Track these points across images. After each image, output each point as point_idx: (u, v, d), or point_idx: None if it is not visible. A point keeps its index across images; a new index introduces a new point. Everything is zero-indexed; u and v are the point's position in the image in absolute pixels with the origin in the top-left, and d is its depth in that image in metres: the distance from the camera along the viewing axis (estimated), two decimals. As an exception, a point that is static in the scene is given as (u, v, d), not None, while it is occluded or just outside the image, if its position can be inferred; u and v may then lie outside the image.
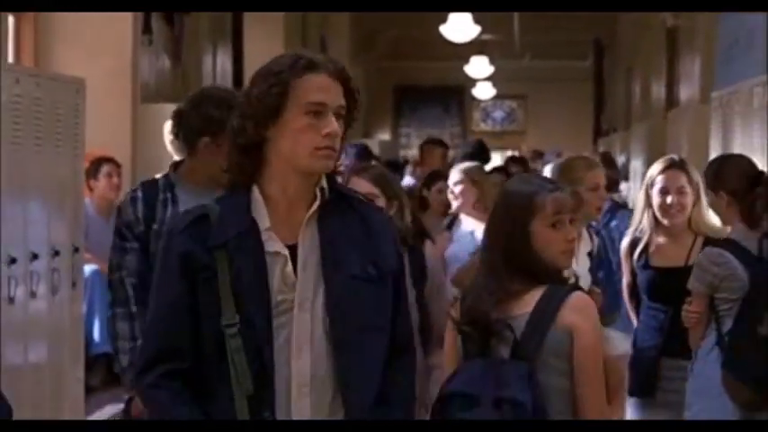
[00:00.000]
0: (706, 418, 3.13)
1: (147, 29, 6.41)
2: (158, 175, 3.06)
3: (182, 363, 2.03)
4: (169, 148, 3.76)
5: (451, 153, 8.07)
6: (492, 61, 16.43)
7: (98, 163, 5.88)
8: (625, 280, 3.80)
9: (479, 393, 2.33)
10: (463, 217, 4.95)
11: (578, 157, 4.19)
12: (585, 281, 3.44)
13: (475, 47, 14.71)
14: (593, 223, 3.97)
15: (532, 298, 2.40)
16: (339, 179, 2.18)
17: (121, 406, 3.02)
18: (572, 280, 2.53)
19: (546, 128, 19.00)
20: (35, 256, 4.19)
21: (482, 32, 12.58)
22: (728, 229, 3.46)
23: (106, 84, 5.67)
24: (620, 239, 3.91)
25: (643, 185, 3.76)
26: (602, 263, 3.86)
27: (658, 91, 10.43)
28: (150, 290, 2.83)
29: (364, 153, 7.07)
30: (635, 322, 3.80)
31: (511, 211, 2.46)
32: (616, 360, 3.39)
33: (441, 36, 12.37)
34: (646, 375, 3.60)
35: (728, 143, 4.67)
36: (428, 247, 3.68)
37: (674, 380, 3.49)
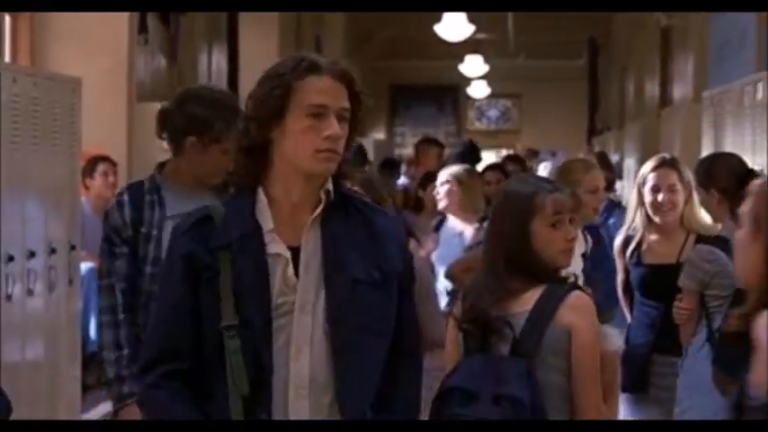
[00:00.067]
0: (696, 414, 3.16)
1: (142, 28, 6.43)
2: (143, 177, 3.07)
3: (182, 363, 2.05)
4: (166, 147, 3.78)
5: (447, 152, 8.10)
6: (487, 60, 16.45)
7: (94, 162, 5.91)
8: (619, 277, 3.84)
9: (479, 389, 2.37)
10: (451, 218, 4.98)
11: (577, 160, 4.24)
12: (578, 281, 3.48)
13: (469, 46, 14.73)
14: (598, 221, 4.01)
15: (532, 296, 2.44)
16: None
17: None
18: (572, 279, 2.57)
19: (540, 127, 19.03)
20: (32, 254, 4.22)
21: (476, 31, 12.60)
22: (720, 226, 3.50)
23: (102, 83, 5.69)
24: None
25: (635, 184, 3.80)
26: (598, 261, 3.90)
27: (652, 90, 10.47)
28: (140, 294, 2.85)
29: (359, 153, 7.10)
30: (629, 319, 3.84)
31: (511, 211, 2.51)
32: (612, 355, 3.44)
33: (435, 35, 12.39)
34: (638, 371, 3.64)
35: (720, 141, 4.72)
36: (414, 249, 3.72)
37: (666, 376, 3.53)
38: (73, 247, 4.60)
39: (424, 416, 2.37)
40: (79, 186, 4.97)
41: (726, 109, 4.71)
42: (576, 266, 3.70)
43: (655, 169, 3.69)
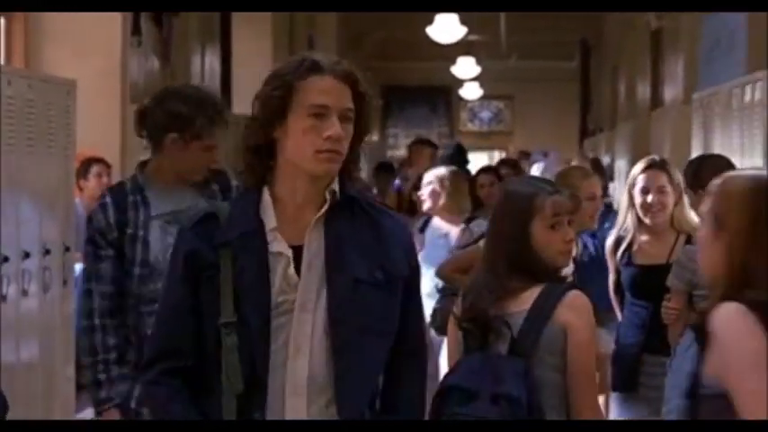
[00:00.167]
0: (683, 413, 3.19)
1: (136, 30, 6.45)
2: (125, 179, 3.06)
3: (183, 361, 2.05)
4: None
5: (441, 152, 8.13)
6: (479, 62, 16.49)
7: (88, 163, 5.93)
8: (611, 278, 3.88)
9: (477, 388, 2.40)
10: (436, 219, 5.01)
11: (574, 167, 4.30)
12: None
13: (462, 47, 14.77)
14: (594, 227, 4.06)
15: (531, 296, 2.48)
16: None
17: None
18: (570, 279, 2.62)
19: (533, 128, 19.07)
20: (27, 255, 4.23)
21: (468, 33, 12.64)
22: (708, 227, 3.53)
23: (96, 84, 5.71)
24: None
25: (626, 185, 3.85)
26: (592, 264, 3.94)
27: (643, 91, 10.51)
28: (128, 296, 2.85)
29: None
30: (620, 319, 3.88)
31: (511, 212, 2.55)
32: (601, 357, 3.49)
33: (427, 37, 12.43)
34: (628, 371, 3.67)
35: (709, 143, 4.76)
36: None
37: (656, 375, 3.55)
38: (67, 249, 4.61)
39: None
40: (73, 188, 4.99)
41: (714, 111, 4.75)
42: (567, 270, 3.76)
43: (644, 171, 3.73)
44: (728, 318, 1.91)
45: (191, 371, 2.05)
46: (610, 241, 3.85)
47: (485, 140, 20.30)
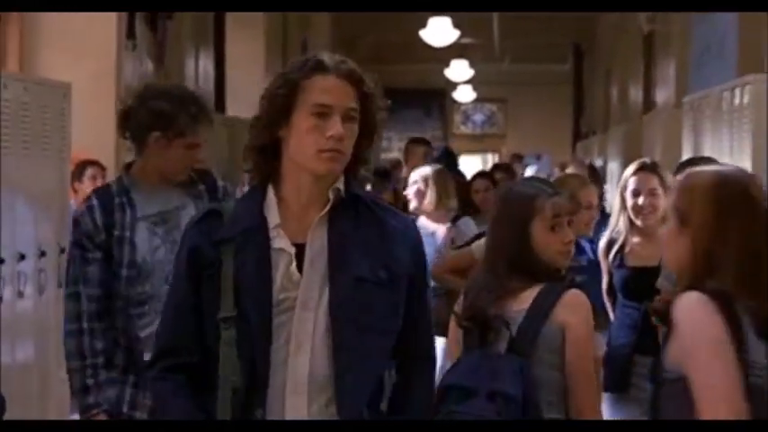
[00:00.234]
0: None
1: (130, 33, 6.47)
2: (110, 181, 3.05)
3: (187, 357, 2.06)
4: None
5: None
6: (472, 65, 16.53)
7: (83, 166, 5.94)
8: (604, 280, 3.92)
9: (476, 386, 2.43)
10: (422, 218, 5.03)
11: (572, 175, 4.33)
12: None
13: (455, 50, 14.81)
14: (590, 234, 4.09)
15: (530, 295, 2.53)
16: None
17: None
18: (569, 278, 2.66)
19: (526, 131, 19.11)
20: (22, 257, 4.26)
21: (461, 36, 12.67)
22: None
23: (90, 87, 5.72)
24: None
25: (618, 188, 3.88)
26: (590, 268, 3.98)
27: (635, 94, 10.55)
28: (116, 298, 2.83)
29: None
30: (612, 319, 3.92)
31: (512, 214, 2.60)
32: (597, 359, 3.52)
33: (421, 39, 12.46)
34: (619, 372, 3.70)
35: (699, 146, 4.80)
36: None
37: (647, 377, 3.59)
38: (62, 250, 4.63)
39: None
40: (69, 190, 5.02)
41: (705, 114, 4.79)
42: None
43: (635, 173, 3.77)
44: (690, 306, 1.98)
45: (195, 367, 2.05)
46: (602, 243, 3.89)
47: (478, 143, 20.34)
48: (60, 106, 4.65)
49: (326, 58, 2.05)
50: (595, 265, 4.01)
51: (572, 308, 2.52)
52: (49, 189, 4.56)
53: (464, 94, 19.23)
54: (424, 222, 5.00)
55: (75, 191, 5.93)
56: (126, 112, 2.93)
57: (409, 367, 2.11)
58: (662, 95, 8.69)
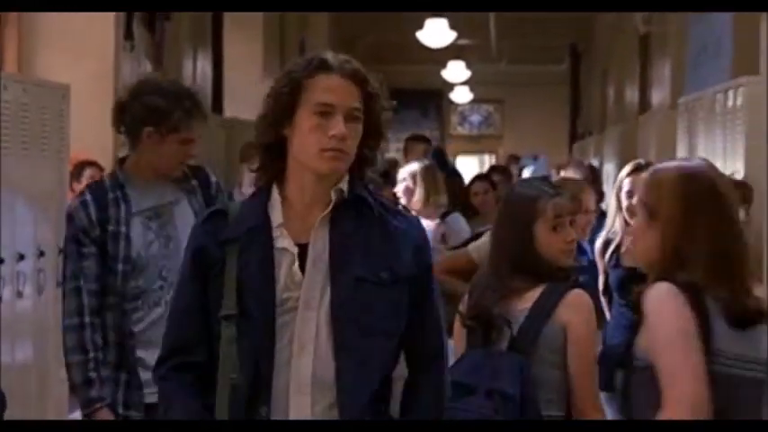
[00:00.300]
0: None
1: (128, 34, 6.50)
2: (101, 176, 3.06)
3: (193, 357, 2.06)
4: None
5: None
6: (469, 66, 16.55)
7: (81, 166, 5.96)
8: (600, 279, 3.95)
9: (477, 384, 2.47)
10: None
11: (569, 180, 4.35)
12: None
13: (452, 51, 14.83)
14: (586, 237, 4.12)
15: (533, 295, 2.58)
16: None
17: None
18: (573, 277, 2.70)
19: (523, 131, 19.13)
20: (21, 257, 4.28)
21: (458, 38, 12.69)
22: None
23: (89, 88, 5.74)
24: None
25: (613, 189, 3.92)
26: (591, 269, 4.01)
27: (632, 95, 10.58)
28: (109, 294, 2.84)
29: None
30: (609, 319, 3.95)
31: (515, 215, 2.65)
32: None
33: (418, 40, 12.48)
34: (614, 371, 3.73)
35: (693, 147, 4.84)
36: None
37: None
38: (61, 251, 4.65)
39: None
40: (67, 191, 5.04)
41: (699, 116, 4.83)
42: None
43: (630, 174, 3.81)
44: (659, 297, 2.04)
45: (202, 366, 2.05)
46: (598, 244, 3.93)
47: (475, 144, 20.36)
48: (59, 107, 4.67)
49: (330, 57, 2.05)
50: (595, 265, 4.04)
51: (574, 308, 2.57)
52: (48, 189, 4.59)
53: (461, 95, 19.25)
54: None
55: (74, 191, 5.95)
56: (121, 106, 2.93)
57: (417, 366, 2.10)
58: (658, 96, 8.72)
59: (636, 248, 2.20)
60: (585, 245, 4.19)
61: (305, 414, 2.01)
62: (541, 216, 2.62)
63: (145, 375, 2.86)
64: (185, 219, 2.93)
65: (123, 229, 2.87)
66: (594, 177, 6.59)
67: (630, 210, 3.77)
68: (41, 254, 4.46)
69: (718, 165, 4.01)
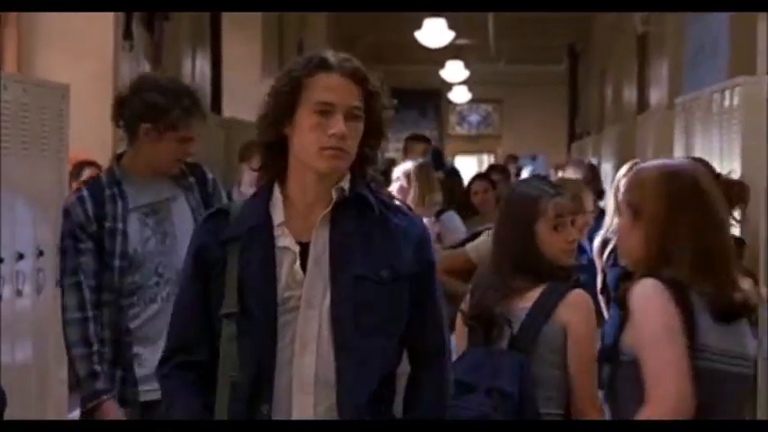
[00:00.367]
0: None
1: (127, 34, 6.51)
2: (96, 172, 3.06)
3: (195, 355, 2.07)
4: None
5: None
6: (467, 65, 16.57)
7: (81, 166, 5.97)
8: (598, 278, 3.97)
9: (477, 382, 2.50)
10: None
11: (567, 181, 4.36)
12: None
13: (450, 51, 14.84)
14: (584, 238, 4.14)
15: (534, 295, 2.60)
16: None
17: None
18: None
19: (521, 131, 19.16)
20: (21, 256, 4.30)
21: (457, 37, 12.71)
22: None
23: (88, 88, 5.76)
24: None
25: (612, 189, 3.93)
26: (590, 267, 4.03)
27: (630, 95, 10.60)
28: (105, 290, 2.84)
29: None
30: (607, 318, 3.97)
31: (516, 215, 2.68)
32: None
33: (417, 40, 12.50)
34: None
35: (690, 147, 4.85)
36: None
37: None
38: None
39: None
40: (67, 191, 5.05)
41: (695, 115, 4.84)
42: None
43: (627, 174, 3.82)
44: (645, 293, 2.08)
45: (205, 365, 2.06)
46: (597, 243, 3.94)
47: (473, 144, 20.39)
48: (59, 107, 4.69)
49: (330, 56, 2.04)
50: (594, 264, 4.06)
51: (574, 307, 2.59)
52: (48, 189, 4.60)
53: (459, 95, 19.27)
54: None
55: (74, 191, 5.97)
56: (121, 101, 2.94)
57: (419, 364, 2.10)
58: (655, 96, 8.74)
59: (622, 247, 2.24)
60: (585, 244, 4.21)
61: (307, 413, 2.01)
62: (543, 216, 2.64)
63: (140, 372, 2.87)
64: (182, 215, 2.94)
65: (120, 225, 2.87)
66: (594, 176, 6.61)
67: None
68: (41, 253, 4.47)
69: (715, 164, 4.04)
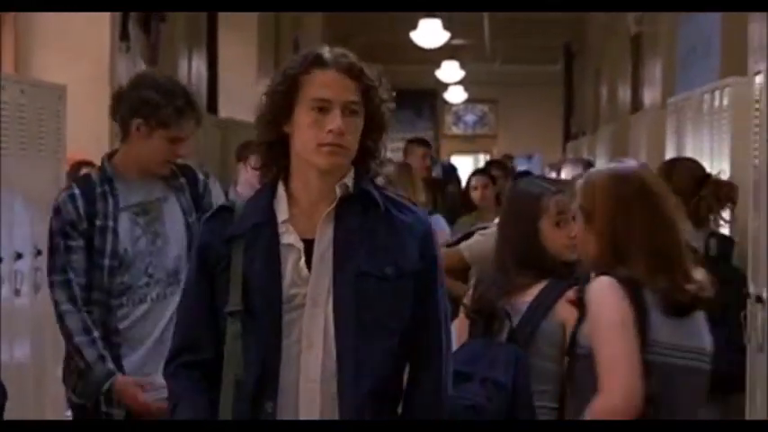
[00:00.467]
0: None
1: (124, 35, 6.54)
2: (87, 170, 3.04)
3: (201, 354, 2.05)
4: None
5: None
6: (463, 66, 16.59)
7: (78, 167, 6.00)
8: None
9: (474, 372, 2.51)
10: None
11: (564, 180, 4.39)
12: None
13: (446, 51, 14.87)
14: None
15: (535, 291, 2.64)
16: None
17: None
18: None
19: (517, 131, 19.19)
20: (19, 256, 4.33)
21: (452, 38, 12.73)
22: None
23: (85, 89, 5.78)
24: None
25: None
26: None
27: (624, 95, 10.63)
28: (94, 289, 2.82)
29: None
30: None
31: (519, 213, 2.73)
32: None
33: (412, 40, 12.53)
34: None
35: (682, 147, 4.89)
36: None
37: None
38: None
39: None
40: (64, 191, 5.08)
41: (687, 115, 4.88)
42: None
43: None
44: (601, 291, 2.19)
45: (211, 364, 2.05)
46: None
47: (469, 144, 20.42)
48: (56, 108, 4.72)
49: (326, 52, 2.04)
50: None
51: (573, 305, 2.64)
52: (45, 189, 4.63)
53: (455, 95, 19.29)
54: None
55: (71, 191, 6.00)
56: (118, 96, 2.95)
57: (418, 363, 2.08)
58: (649, 96, 8.77)
59: (579, 249, 2.34)
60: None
61: (313, 410, 2.01)
62: (545, 212, 2.70)
63: (129, 372, 2.86)
64: (174, 216, 2.95)
65: (111, 223, 2.86)
66: (592, 171, 6.65)
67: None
68: (39, 253, 4.49)
69: (705, 164, 4.09)
